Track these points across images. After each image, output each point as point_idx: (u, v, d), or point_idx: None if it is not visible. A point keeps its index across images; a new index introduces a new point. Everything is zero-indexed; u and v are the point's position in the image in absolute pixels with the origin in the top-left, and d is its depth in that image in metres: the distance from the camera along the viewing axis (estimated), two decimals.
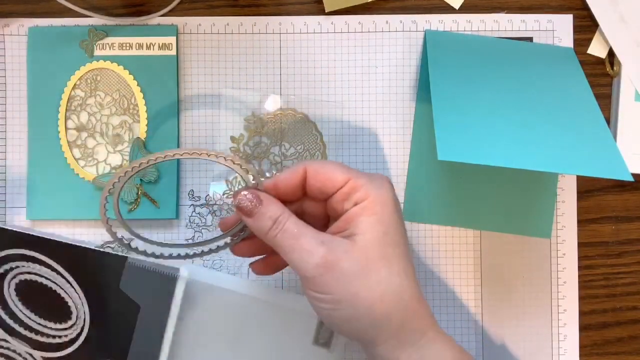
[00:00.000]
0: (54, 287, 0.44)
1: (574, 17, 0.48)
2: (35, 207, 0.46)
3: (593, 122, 0.42)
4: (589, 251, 0.48)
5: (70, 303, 0.44)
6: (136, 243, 0.38)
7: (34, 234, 0.45)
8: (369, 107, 0.47)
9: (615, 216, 0.48)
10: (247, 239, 0.38)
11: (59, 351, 0.45)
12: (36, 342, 0.44)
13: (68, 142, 0.46)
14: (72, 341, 0.44)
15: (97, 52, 0.46)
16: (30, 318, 0.44)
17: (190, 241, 0.46)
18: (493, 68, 0.45)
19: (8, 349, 0.45)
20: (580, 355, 0.47)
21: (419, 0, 0.48)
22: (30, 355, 0.45)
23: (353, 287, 0.33)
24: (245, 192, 0.35)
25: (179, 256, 0.39)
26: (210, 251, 0.39)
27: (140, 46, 0.46)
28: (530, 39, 0.48)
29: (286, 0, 0.47)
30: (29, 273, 0.44)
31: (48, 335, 0.45)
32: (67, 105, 0.46)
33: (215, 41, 0.47)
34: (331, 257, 0.33)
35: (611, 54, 0.47)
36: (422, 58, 0.47)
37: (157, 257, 0.38)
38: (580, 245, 0.48)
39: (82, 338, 0.44)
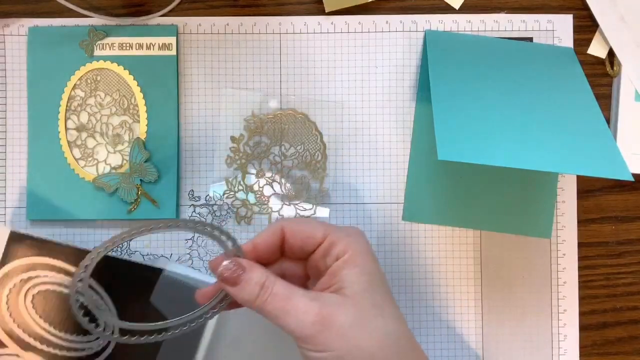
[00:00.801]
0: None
1: (574, 17, 0.48)
2: (35, 207, 0.46)
3: (593, 122, 0.42)
4: (589, 251, 0.48)
5: (97, 315, 0.41)
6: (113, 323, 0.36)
7: (57, 241, 0.43)
8: (369, 107, 0.47)
9: (615, 216, 0.48)
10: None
11: None
12: (54, 355, 0.42)
13: (68, 142, 0.46)
14: (97, 354, 0.42)
15: (97, 52, 0.46)
16: (50, 332, 0.42)
17: (190, 242, 0.46)
18: (493, 68, 0.45)
19: None
20: (580, 355, 0.47)
21: (419, 0, 0.48)
22: None
23: (352, 339, 0.32)
24: (226, 262, 0.33)
25: (155, 334, 0.35)
26: (189, 327, 0.35)
27: (140, 46, 0.46)
28: (530, 39, 0.48)
29: (286, 0, 0.47)
30: (51, 283, 0.42)
31: (69, 349, 0.42)
32: (67, 105, 0.46)
33: (215, 41, 0.47)
34: (326, 313, 0.32)
35: (611, 54, 0.47)
36: (422, 58, 0.47)
37: (135, 337, 0.35)
38: (580, 245, 0.48)
39: (108, 351, 0.42)
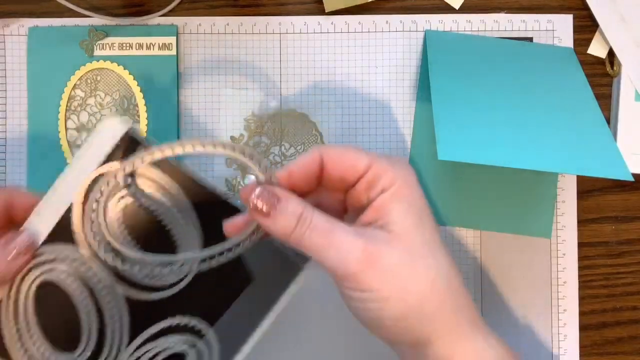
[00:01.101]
0: (164, 219, 0.35)
1: (574, 17, 0.48)
2: None
3: (593, 122, 0.42)
4: (589, 251, 0.48)
5: (180, 244, 0.34)
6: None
7: (178, 163, 0.36)
8: (369, 107, 0.47)
9: (615, 216, 0.48)
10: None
11: (147, 292, 0.35)
12: (122, 275, 0.35)
13: (68, 142, 0.46)
14: (167, 287, 0.36)
15: (97, 52, 0.46)
16: (128, 247, 0.35)
17: None
18: (493, 68, 0.45)
19: (91, 268, 0.34)
20: (580, 355, 0.47)
21: (419, 0, 0.48)
22: (111, 287, 0.35)
23: (401, 279, 0.29)
24: (258, 190, 0.30)
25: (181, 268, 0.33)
26: (217, 259, 0.33)
27: (140, 46, 0.46)
28: (530, 39, 0.48)
29: (286, 0, 0.47)
30: (148, 199, 0.35)
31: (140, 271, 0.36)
32: (67, 105, 0.46)
33: (215, 41, 0.47)
34: (372, 250, 0.29)
35: (611, 54, 0.47)
36: (422, 58, 0.47)
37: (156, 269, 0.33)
38: (580, 245, 0.47)
39: (180, 286, 0.35)
